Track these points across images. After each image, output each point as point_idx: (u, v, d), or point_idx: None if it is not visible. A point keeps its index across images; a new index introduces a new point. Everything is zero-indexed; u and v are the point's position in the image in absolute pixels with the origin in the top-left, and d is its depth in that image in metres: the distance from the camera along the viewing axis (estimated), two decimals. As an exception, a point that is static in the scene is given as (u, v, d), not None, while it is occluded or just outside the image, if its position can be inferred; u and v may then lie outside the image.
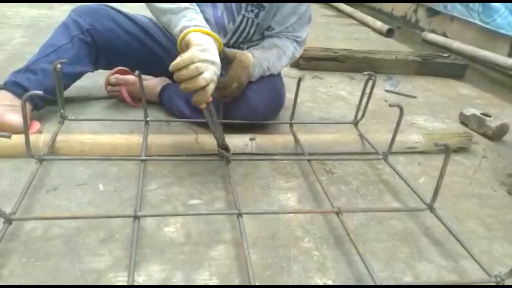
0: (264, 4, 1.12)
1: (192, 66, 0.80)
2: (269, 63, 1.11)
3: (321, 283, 0.70)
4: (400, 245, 0.80)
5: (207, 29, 0.88)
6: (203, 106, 0.87)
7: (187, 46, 0.84)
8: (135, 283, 0.65)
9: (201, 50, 0.81)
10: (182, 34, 0.86)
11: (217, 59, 0.84)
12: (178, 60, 0.81)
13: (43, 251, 0.70)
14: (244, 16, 1.14)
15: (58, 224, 0.76)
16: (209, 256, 0.73)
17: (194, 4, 0.96)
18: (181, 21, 0.88)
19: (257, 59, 1.07)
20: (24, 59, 1.17)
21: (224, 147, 0.94)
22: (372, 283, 0.65)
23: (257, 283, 0.64)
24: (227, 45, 1.19)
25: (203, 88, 0.82)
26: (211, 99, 0.88)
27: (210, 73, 0.82)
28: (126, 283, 0.62)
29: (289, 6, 1.13)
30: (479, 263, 0.72)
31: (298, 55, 1.22)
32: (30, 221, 0.76)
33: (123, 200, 0.86)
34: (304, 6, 1.14)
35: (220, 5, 1.12)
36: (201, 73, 0.80)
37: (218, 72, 0.86)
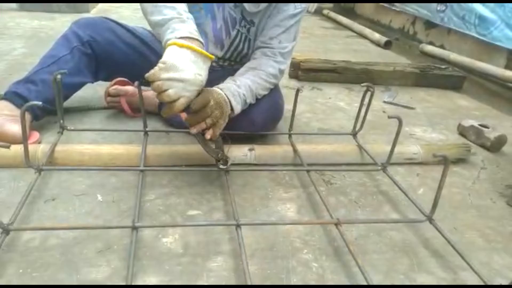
0: (254, 20, 1.13)
1: (154, 84, 0.81)
2: (249, 88, 1.04)
3: (320, 295, 0.69)
4: (399, 256, 0.80)
5: (187, 40, 0.84)
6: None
7: None
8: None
9: (165, 69, 0.80)
10: (164, 48, 0.86)
11: (185, 75, 0.81)
12: (147, 74, 0.82)
13: (41, 262, 0.69)
14: (238, 31, 1.15)
15: (55, 234, 0.76)
16: (207, 267, 0.72)
17: (185, 6, 0.92)
18: (166, 33, 0.87)
19: (226, 90, 0.97)
20: (24, 70, 1.18)
21: (222, 158, 0.95)
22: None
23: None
24: (223, 58, 1.20)
25: (172, 102, 0.83)
26: (184, 115, 0.87)
27: (174, 91, 0.81)
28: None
29: (276, 19, 1.11)
30: (479, 275, 0.71)
31: (283, 68, 1.14)
32: (27, 231, 0.76)
33: (121, 210, 0.85)
34: (292, 20, 1.12)
35: (219, 19, 1.13)
36: (164, 90, 0.81)
37: (191, 88, 0.84)
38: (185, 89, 0.83)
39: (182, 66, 0.82)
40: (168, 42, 0.84)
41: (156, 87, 0.81)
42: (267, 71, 1.10)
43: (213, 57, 0.88)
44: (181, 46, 0.83)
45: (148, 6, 0.92)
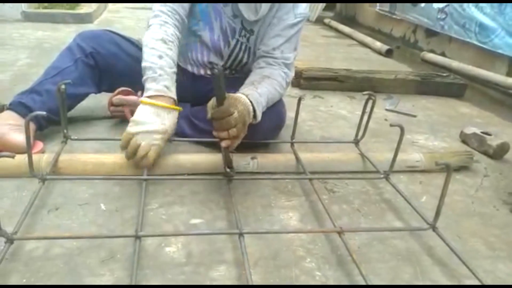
0: (254, 29, 1.15)
1: (131, 142, 0.92)
2: (267, 97, 1.04)
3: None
4: (403, 265, 0.80)
5: (154, 98, 0.94)
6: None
7: None
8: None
9: (134, 124, 0.92)
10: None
11: (152, 127, 0.92)
12: (121, 141, 0.94)
13: (44, 271, 0.69)
14: (238, 40, 1.16)
15: (59, 243, 0.76)
16: (210, 276, 0.72)
17: (174, 46, 1.01)
18: (145, 84, 0.98)
19: (251, 97, 0.98)
20: (29, 80, 1.19)
21: (230, 165, 0.95)
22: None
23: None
24: (224, 67, 1.22)
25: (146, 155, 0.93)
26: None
27: (146, 142, 0.92)
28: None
29: (276, 29, 1.13)
30: (483, 283, 0.71)
31: (289, 80, 1.16)
32: (31, 240, 0.76)
33: (124, 219, 0.85)
34: (292, 30, 1.13)
35: (217, 29, 1.15)
36: (138, 145, 0.92)
37: (158, 136, 0.93)
38: (153, 139, 0.93)
39: (148, 120, 0.93)
40: (140, 99, 0.96)
41: (133, 144, 0.92)
42: (279, 80, 1.11)
43: (179, 108, 0.99)
44: (146, 103, 0.94)
45: (146, 39, 1.01)
